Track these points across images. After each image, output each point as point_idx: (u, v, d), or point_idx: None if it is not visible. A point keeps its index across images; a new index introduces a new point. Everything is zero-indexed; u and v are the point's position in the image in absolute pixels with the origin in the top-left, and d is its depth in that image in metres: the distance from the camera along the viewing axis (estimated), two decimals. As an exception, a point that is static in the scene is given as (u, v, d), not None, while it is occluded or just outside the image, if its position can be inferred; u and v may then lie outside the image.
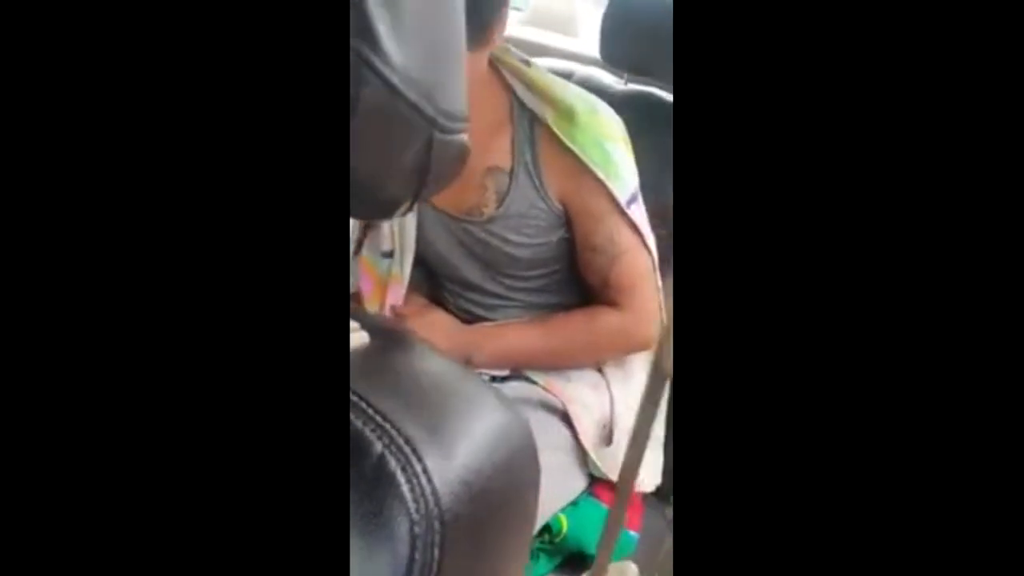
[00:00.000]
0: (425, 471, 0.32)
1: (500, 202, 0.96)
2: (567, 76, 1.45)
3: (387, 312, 1.08)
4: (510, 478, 0.36)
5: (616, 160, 0.93)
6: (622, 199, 0.93)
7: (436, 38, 0.32)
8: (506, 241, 0.98)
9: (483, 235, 0.99)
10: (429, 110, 0.32)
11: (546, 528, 0.95)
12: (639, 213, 0.96)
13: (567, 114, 0.91)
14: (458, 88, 0.35)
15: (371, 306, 1.11)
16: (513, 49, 0.98)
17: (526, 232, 0.97)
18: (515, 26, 2.40)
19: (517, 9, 2.62)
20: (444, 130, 0.34)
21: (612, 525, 0.34)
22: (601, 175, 0.92)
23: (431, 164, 0.35)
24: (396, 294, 1.08)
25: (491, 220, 0.98)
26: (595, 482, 1.02)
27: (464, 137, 0.37)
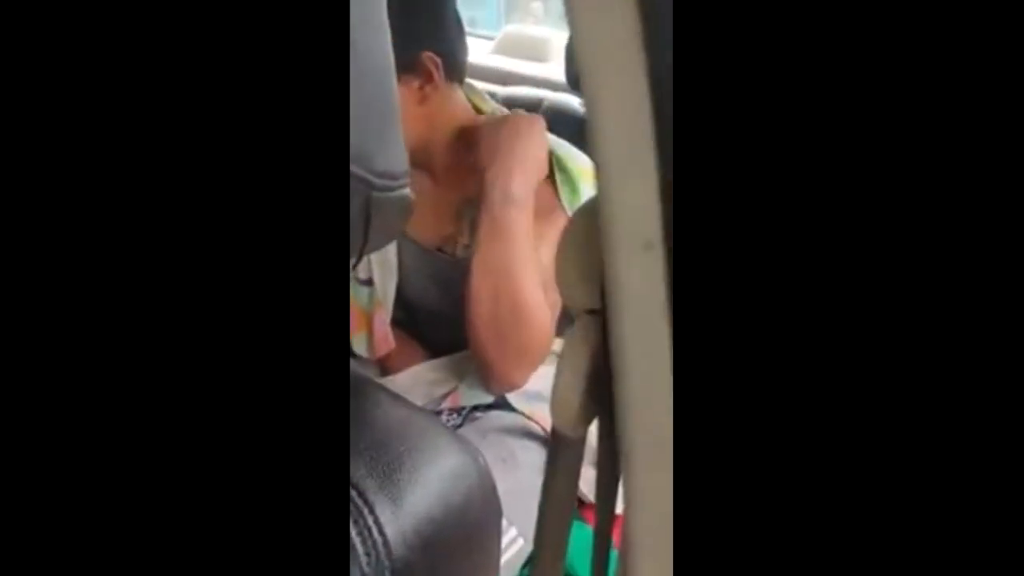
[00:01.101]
0: (376, 522, 0.33)
1: (473, 232, 0.98)
2: (537, 104, 1.47)
3: (377, 339, 1.09)
4: (466, 522, 0.37)
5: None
6: None
7: (365, 102, 0.33)
8: None
9: (454, 270, 1.00)
10: (364, 174, 0.33)
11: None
12: None
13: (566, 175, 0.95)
14: (394, 148, 0.36)
15: (357, 335, 1.12)
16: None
17: None
18: (485, 55, 2.43)
19: (487, 38, 2.65)
20: (382, 189, 0.35)
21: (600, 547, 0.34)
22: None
23: (372, 220, 0.36)
24: (381, 320, 1.09)
25: (465, 252, 0.99)
26: (581, 505, 1.02)
27: (406, 191, 0.38)
